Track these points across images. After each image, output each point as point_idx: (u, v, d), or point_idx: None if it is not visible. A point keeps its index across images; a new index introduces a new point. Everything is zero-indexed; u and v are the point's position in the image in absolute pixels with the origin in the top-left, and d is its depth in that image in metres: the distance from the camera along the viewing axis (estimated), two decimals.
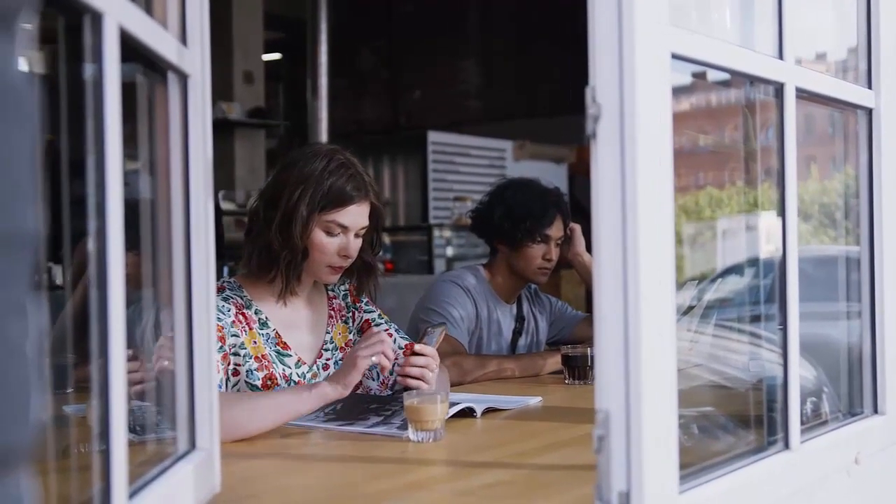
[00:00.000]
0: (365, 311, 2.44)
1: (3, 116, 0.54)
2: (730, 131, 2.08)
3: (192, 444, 1.37)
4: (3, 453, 0.54)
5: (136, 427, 1.35)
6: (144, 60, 1.25)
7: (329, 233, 2.20)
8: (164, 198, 1.36)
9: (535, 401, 2.36)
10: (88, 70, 1.02)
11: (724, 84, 1.74)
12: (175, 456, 1.33)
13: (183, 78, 1.35)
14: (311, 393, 1.98)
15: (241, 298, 2.23)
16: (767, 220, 1.91)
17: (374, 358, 2.00)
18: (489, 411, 2.19)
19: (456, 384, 2.69)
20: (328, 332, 2.36)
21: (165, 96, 1.35)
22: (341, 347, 2.37)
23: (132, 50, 1.12)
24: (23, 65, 0.57)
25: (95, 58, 1.01)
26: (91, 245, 1.01)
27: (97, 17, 1.00)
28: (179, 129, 1.36)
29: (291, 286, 2.25)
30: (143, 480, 1.18)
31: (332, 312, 2.39)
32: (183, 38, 1.36)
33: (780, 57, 1.52)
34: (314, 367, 2.29)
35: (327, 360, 2.33)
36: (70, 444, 1.25)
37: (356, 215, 2.22)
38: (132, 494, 1.09)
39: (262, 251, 2.21)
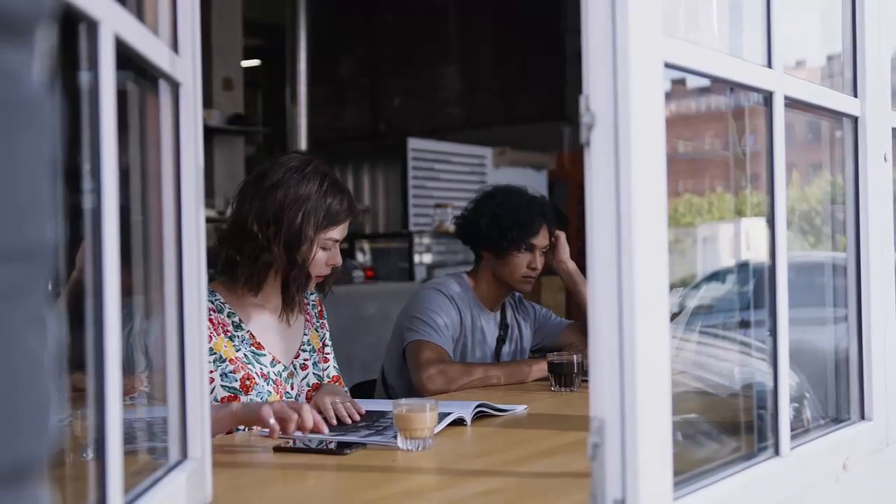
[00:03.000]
0: (326, 330, 2.54)
1: (24, 128, 0.54)
2: (709, 138, 2.09)
3: (184, 454, 1.36)
4: (25, 464, 0.54)
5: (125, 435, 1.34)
6: (135, 68, 1.24)
7: (324, 248, 2.31)
8: (155, 206, 1.35)
9: (521, 409, 2.36)
10: (83, 77, 1.01)
11: (702, 91, 1.75)
12: (167, 466, 1.32)
13: (175, 86, 1.35)
14: (225, 415, 2.04)
15: (212, 303, 2.27)
16: (748, 227, 1.92)
17: (272, 421, 1.92)
18: (479, 416, 2.19)
19: (442, 392, 2.70)
20: (305, 334, 2.44)
21: (156, 104, 1.34)
22: (318, 350, 2.46)
23: (124, 58, 1.11)
24: (40, 75, 0.57)
25: (91, 65, 1.00)
26: (87, 253, 1.00)
27: (93, 25, 0.99)
28: (171, 137, 1.36)
29: (300, 302, 2.37)
30: (136, 490, 1.17)
31: (308, 316, 2.48)
32: (175, 47, 1.35)
33: (769, 65, 1.53)
34: (290, 367, 2.36)
35: (305, 360, 2.41)
36: (64, 453, 1.24)
37: (346, 228, 2.36)
38: None
39: (262, 268, 2.27)
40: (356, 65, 10.58)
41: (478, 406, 2.20)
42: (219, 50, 7.72)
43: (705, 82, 1.60)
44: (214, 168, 7.66)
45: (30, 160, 0.54)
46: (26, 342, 0.54)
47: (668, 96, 1.46)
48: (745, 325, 1.92)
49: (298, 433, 2.00)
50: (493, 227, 2.99)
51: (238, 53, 8.01)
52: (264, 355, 2.30)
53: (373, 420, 2.15)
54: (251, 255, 2.26)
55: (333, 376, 2.48)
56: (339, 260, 2.35)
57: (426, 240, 7.46)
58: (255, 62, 10.56)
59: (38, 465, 0.56)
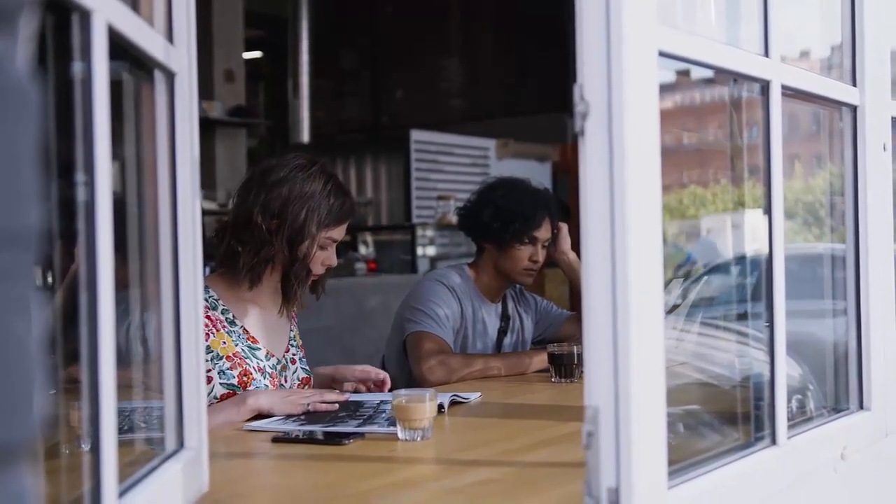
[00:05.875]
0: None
1: (9, 115, 0.54)
2: (713, 129, 2.09)
3: (181, 444, 1.37)
4: (8, 449, 0.55)
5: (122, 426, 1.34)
6: (131, 58, 1.24)
7: (322, 247, 2.33)
8: (150, 197, 1.35)
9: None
10: (76, 68, 1.01)
11: (707, 82, 1.74)
12: (163, 455, 1.32)
13: (170, 76, 1.35)
14: (240, 409, 2.12)
15: (206, 300, 2.28)
16: (752, 219, 1.92)
17: (309, 407, 2.16)
18: (453, 405, 2.23)
19: (442, 383, 2.70)
20: (292, 330, 2.48)
21: (152, 95, 1.34)
22: (300, 346, 2.50)
23: (119, 48, 1.11)
24: (24, 63, 0.57)
25: (84, 56, 1.00)
26: (80, 246, 1.00)
27: (86, 15, 0.99)
28: (166, 128, 1.36)
29: (301, 299, 2.39)
30: (132, 480, 1.17)
31: (293, 313, 2.51)
32: (169, 37, 1.35)
33: (766, 54, 1.52)
34: (283, 360, 2.40)
35: (293, 354, 2.46)
36: (60, 444, 1.25)
37: (344, 229, 2.39)
38: (122, 493, 1.08)
39: (263, 263, 2.29)
40: (358, 57, 10.58)
41: (451, 400, 2.23)
42: (220, 42, 7.71)
43: (709, 73, 1.59)
44: (216, 160, 7.66)
45: (14, 147, 0.55)
46: (11, 326, 0.55)
47: (672, 87, 1.46)
48: (745, 316, 1.92)
49: (296, 426, 2.01)
50: (495, 219, 2.98)
51: (239, 45, 8.01)
52: (259, 349, 2.33)
53: (353, 410, 2.16)
54: (253, 248, 2.27)
55: (303, 378, 2.48)
56: (334, 261, 2.38)
57: (429, 232, 7.46)
58: (256, 54, 10.55)
59: (22, 448, 0.56)
